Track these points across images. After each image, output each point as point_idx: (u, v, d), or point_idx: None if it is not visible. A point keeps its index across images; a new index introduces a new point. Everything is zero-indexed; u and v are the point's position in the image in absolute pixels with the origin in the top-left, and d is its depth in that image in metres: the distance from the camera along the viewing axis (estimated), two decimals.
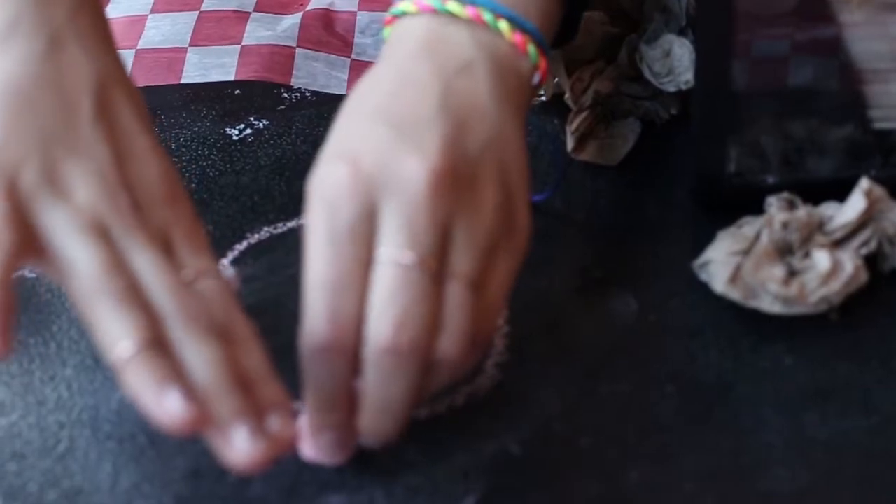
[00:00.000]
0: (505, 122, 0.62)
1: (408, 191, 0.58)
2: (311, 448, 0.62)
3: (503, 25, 0.64)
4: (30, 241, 0.58)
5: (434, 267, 0.58)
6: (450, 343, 0.58)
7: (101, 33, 0.63)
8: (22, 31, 0.61)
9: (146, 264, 0.58)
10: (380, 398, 0.58)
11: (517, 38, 0.64)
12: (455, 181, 0.59)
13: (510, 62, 0.64)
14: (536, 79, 0.66)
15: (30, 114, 0.60)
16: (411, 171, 0.58)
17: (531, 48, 0.65)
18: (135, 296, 0.57)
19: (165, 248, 0.60)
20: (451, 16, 0.64)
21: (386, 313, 0.57)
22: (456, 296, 0.58)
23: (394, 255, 0.57)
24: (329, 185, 0.59)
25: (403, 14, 0.65)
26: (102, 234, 0.58)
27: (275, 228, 0.75)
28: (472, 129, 0.61)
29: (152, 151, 0.61)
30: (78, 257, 0.57)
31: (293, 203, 0.77)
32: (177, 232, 0.60)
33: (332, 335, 0.58)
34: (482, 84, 0.62)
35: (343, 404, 0.59)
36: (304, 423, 0.62)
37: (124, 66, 0.64)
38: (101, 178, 0.59)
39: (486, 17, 0.64)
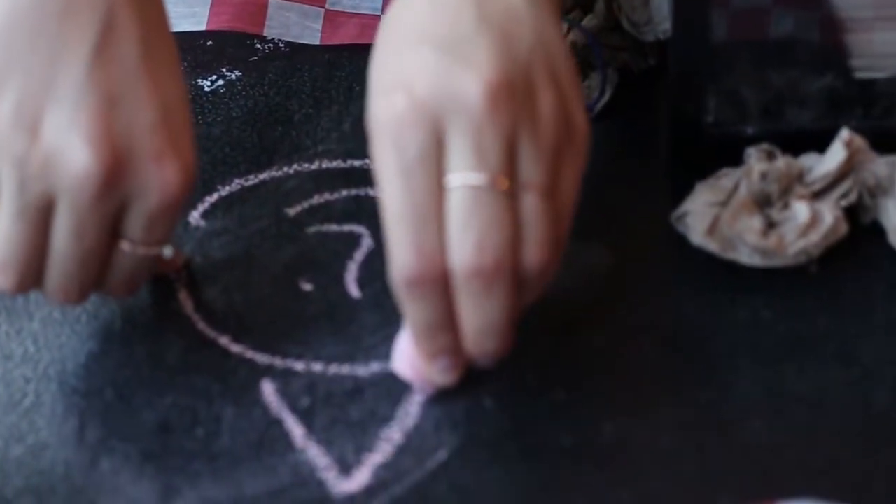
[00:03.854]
0: (544, 24, 0.61)
1: (468, 110, 0.58)
2: (421, 373, 0.62)
3: None
4: None
5: (506, 184, 0.58)
6: (533, 254, 0.58)
7: None
8: None
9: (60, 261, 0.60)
10: (478, 321, 0.59)
11: None
12: (512, 92, 0.58)
13: None
14: None
15: (23, 42, 0.59)
16: (468, 89, 0.58)
17: None
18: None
19: (113, 224, 0.60)
20: None
21: (465, 237, 0.57)
22: (531, 207, 0.58)
23: (465, 178, 0.57)
24: (390, 118, 0.58)
25: None
26: (43, 215, 0.59)
27: (246, 181, 0.74)
28: (515, 36, 0.60)
29: (148, 96, 0.60)
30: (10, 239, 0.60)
31: (265, 155, 0.76)
32: (141, 200, 0.59)
33: (419, 267, 0.58)
34: None
35: (449, 327, 0.59)
36: (402, 347, 0.62)
37: None
38: (80, 130, 0.58)
39: None
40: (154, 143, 0.59)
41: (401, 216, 0.58)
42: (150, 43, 0.60)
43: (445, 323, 0.59)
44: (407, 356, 0.62)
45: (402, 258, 0.58)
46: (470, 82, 0.58)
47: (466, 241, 0.57)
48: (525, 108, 0.59)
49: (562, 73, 0.61)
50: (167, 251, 0.62)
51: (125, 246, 0.61)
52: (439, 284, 0.58)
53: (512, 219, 0.58)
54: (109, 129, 0.58)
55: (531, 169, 0.58)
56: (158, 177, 0.59)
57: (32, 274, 0.61)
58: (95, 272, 0.62)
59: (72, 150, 0.58)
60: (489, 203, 0.57)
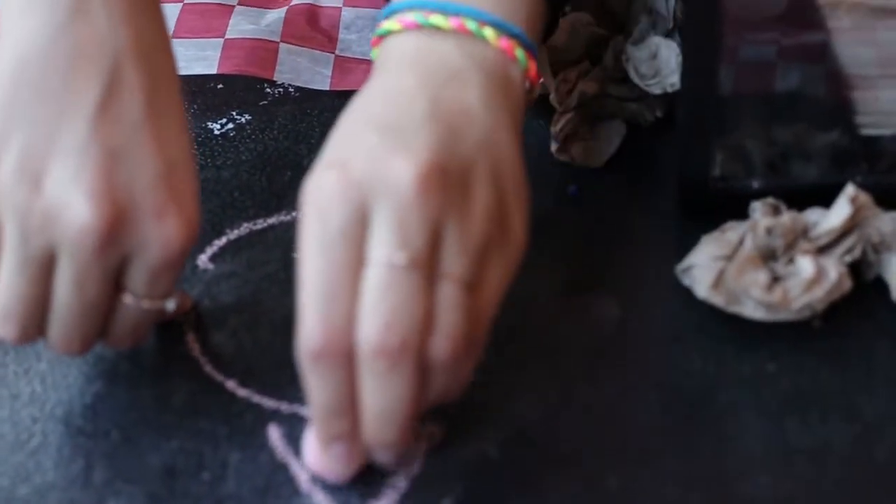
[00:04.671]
0: (496, 127, 0.61)
1: (397, 192, 0.57)
2: (319, 461, 0.61)
3: (488, 32, 0.63)
4: None
5: (425, 267, 0.57)
6: (442, 343, 0.57)
7: None
8: (44, 1, 0.60)
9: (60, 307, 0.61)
10: (378, 404, 0.57)
11: (504, 43, 0.64)
12: (445, 182, 0.58)
13: (499, 69, 0.63)
14: (527, 83, 0.65)
15: (29, 95, 0.59)
16: (399, 172, 0.57)
17: (519, 52, 0.64)
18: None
19: (115, 281, 0.60)
20: (436, 28, 0.63)
21: (375, 314, 0.56)
22: (448, 296, 0.57)
23: (384, 255, 0.57)
24: (319, 191, 0.58)
25: (389, 33, 0.65)
26: (45, 268, 0.59)
27: (254, 224, 0.75)
28: (463, 133, 0.60)
29: (151, 151, 0.60)
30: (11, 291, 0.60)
31: (274, 199, 0.76)
32: (143, 256, 0.60)
33: (325, 340, 0.56)
34: (471, 91, 0.62)
35: (348, 412, 0.58)
36: (309, 434, 0.61)
37: (162, 25, 0.63)
38: (82, 185, 0.58)
39: (471, 25, 0.63)
40: (155, 199, 0.59)
41: (314, 288, 0.57)
42: (156, 97, 0.61)
43: (345, 406, 0.58)
44: (311, 445, 0.61)
45: (309, 330, 0.57)
46: (402, 166, 0.58)
47: (376, 318, 0.56)
48: (456, 200, 0.58)
49: (506, 177, 0.60)
50: (170, 305, 0.63)
51: (128, 299, 0.61)
52: (343, 361, 0.57)
53: (426, 304, 0.57)
54: (111, 184, 0.59)
55: (453, 260, 0.58)
56: (159, 232, 0.59)
57: (34, 325, 0.61)
58: (97, 325, 0.62)
59: (73, 205, 0.58)
60: (405, 284, 0.56)
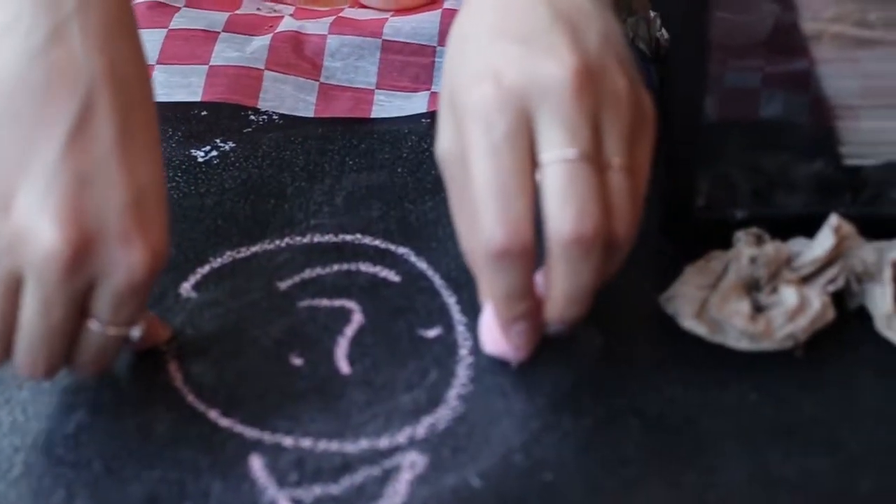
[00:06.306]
0: (608, 20, 0.65)
1: (556, 93, 0.61)
2: (499, 343, 0.66)
3: None
4: None
5: (595, 158, 0.61)
6: (622, 225, 0.62)
7: (114, 20, 0.62)
8: (22, 26, 0.60)
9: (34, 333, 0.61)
10: (569, 287, 0.62)
11: None
12: (591, 76, 0.62)
13: None
14: None
15: (3, 120, 0.59)
16: (554, 74, 0.61)
17: None
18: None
19: (80, 306, 0.60)
20: None
21: (565, 206, 0.60)
22: (618, 182, 0.62)
23: (558, 153, 0.61)
24: (479, 103, 0.62)
25: None
26: (12, 290, 0.60)
27: (238, 253, 0.74)
28: (586, 29, 0.64)
29: (121, 179, 0.60)
30: None
31: (257, 227, 0.76)
32: (108, 281, 0.60)
33: (508, 239, 0.61)
34: None
35: (529, 294, 0.64)
36: (486, 320, 0.67)
37: (140, 53, 0.63)
38: (50, 210, 0.58)
39: None
40: (122, 225, 0.59)
41: (489, 191, 0.61)
42: (129, 125, 0.61)
43: (525, 291, 0.63)
44: (488, 329, 0.67)
45: (490, 230, 0.61)
46: (554, 68, 0.61)
47: (567, 209, 0.60)
48: (604, 91, 0.62)
49: (627, 62, 0.64)
50: (135, 332, 0.63)
51: (93, 325, 0.62)
52: (525, 255, 0.61)
53: (603, 192, 0.61)
54: (79, 210, 0.59)
55: (614, 147, 0.62)
56: (124, 258, 0.60)
57: (3, 347, 0.62)
58: (62, 349, 0.62)
59: (39, 229, 0.58)
60: (584, 176, 0.61)
